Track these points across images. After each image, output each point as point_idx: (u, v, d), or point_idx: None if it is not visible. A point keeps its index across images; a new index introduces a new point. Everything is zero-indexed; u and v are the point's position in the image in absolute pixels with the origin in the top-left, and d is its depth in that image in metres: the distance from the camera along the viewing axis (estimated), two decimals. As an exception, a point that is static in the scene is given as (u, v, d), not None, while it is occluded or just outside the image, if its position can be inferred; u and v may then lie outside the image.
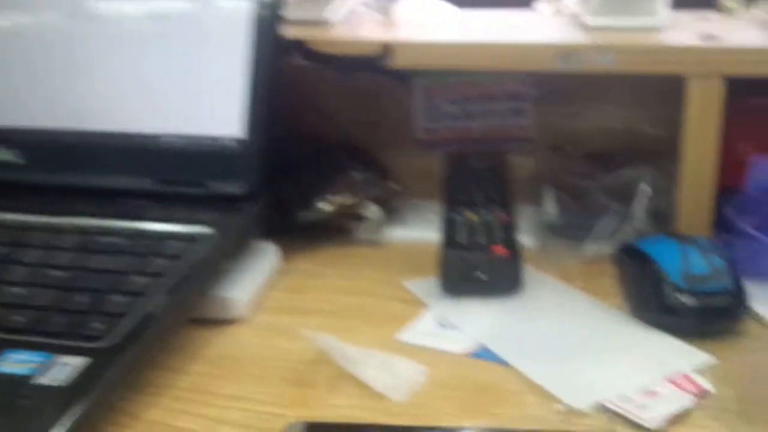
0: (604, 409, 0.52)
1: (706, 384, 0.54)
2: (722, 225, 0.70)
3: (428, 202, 0.79)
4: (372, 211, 0.75)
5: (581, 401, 0.52)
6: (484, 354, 0.59)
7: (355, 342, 0.58)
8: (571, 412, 0.52)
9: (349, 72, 0.76)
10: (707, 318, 0.59)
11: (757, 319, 0.61)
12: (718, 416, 0.51)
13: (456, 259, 0.65)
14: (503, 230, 0.68)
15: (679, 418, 0.51)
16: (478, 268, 0.64)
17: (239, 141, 0.67)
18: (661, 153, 0.74)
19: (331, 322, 0.64)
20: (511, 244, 0.66)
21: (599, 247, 0.71)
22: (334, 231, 0.76)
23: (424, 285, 0.68)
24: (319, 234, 0.76)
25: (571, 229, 0.72)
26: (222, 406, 0.54)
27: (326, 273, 0.72)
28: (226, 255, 0.66)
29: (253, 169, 0.68)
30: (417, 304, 0.65)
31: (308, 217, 0.75)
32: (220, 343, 0.61)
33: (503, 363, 0.57)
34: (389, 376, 0.55)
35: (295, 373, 0.57)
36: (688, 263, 0.60)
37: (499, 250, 0.65)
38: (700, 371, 0.55)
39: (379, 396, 0.54)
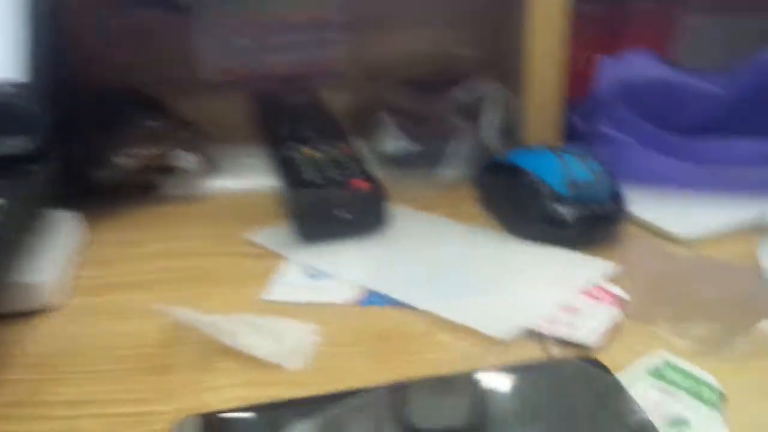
0: (531, 335, 0.46)
1: (619, 291, 0.50)
2: (572, 134, 0.67)
3: (238, 148, 0.69)
4: (185, 160, 0.63)
5: (504, 330, 0.46)
6: (374, 299, 0.50)
7: (210, 311, 0.47)
8: (496, 343, 0.45)
9: (128, 8, 0.64)
10: (594, 225, 0.55)
11: (633, 220, 0.58)
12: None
13: (311, 200, 0.55)
14: (355, 163, 0.59)
15: (607, 330, 0.46)
16: (337, 206, 0.55)
17: (20, 86, 0.53)
18: (479, 73, 0.70)
19: (167, 293, 0.52)
20: (370, 177, 0.57)
21: (451, 172, 0.65)
22: (141, 189, 0.63)
23: (272, 235, 0.58)
24: (124, 195, 0.63)
25: (415, 158, 0.66)
26: (65, 417, 0.41)
27: (144, 238, 0.59)
28: (17, 229, 0.51)
29: (41, 122, 0.53)
30: (271, 258, 0.55)
31: (106, 175, 0.61)
32: (35, 340, 0.47)
33: (399, 305, 0.49)
34: (274, 341, 0.45)
35: (148, 358, 0.45)
36: (569, 171, 0.55)
37: (359, 183, 0.56)
38: (609, 280, 0.51)
39: (269, 367, 0.44)
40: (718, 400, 0.41)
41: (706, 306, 0.49)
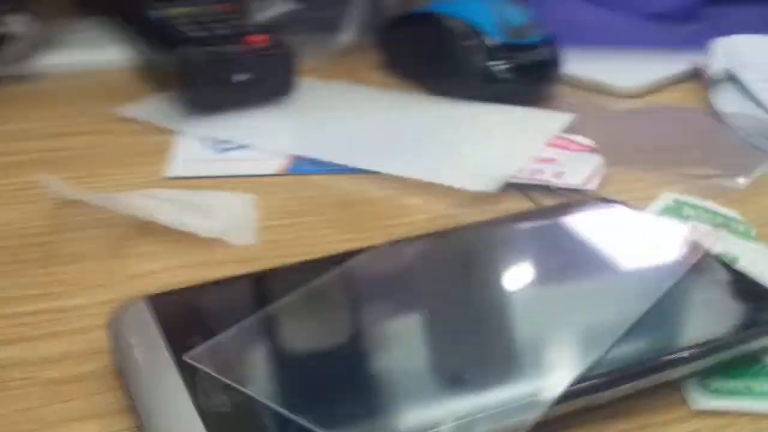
0: (514, 188, 0.39)
1: (585, 140, 0.44)
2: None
3: (73, 22, 0.56)
4: (17, 23, 0.48)
5: (483, 183, 0.38)
6: (308, 168, 0.41)
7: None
8: (477, 198, 0.38)
9: None
10: (534, 75, 0.48)
11: (570, 78, 0.51)
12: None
13: (200, 61, 0.43)
14: (245, 18, 0.48)
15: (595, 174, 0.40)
16: (234, 66, 0.44)
17: None
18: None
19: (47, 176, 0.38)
20: (269, 31, 0.46)
21: (344, 36, 0.56)
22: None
23: (152, 108, 0.46)
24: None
25: (301, 22, 0.56)
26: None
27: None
28: None
29: None
30: (158, 133, 0.43)
31: None
32: None
33: (346, 172, 0.40)
34: (208, 216, 0.35)
35: (48, 247, 0.33)
36: (502, 16, 0.48)
37: (257, 39, 0.46)
38: (569, 131, 0.44)
39: (210, 245, 0.33)
40: (752, 232, 0.36)
41: (676, 150, 0.44)
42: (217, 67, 0.44)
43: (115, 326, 0.27)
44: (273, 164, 0.41)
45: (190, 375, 0.24)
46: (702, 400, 0.26)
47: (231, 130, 0.43)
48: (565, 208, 0.35)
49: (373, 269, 0.30)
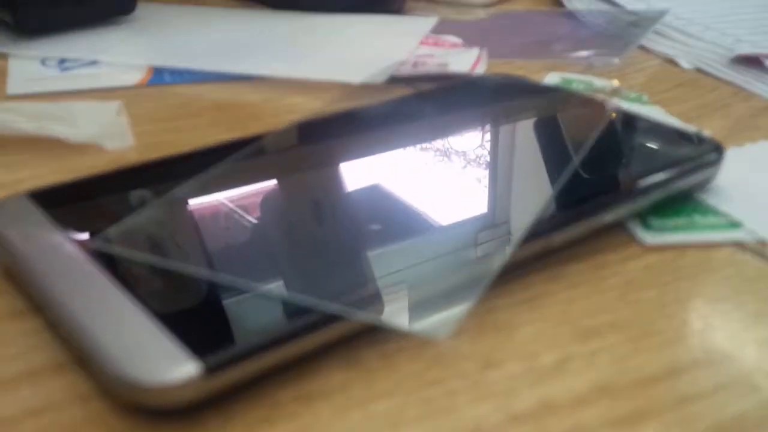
0: (397, 81, 0.37)
1: (455, 39, 0.42)
2: None
3: None
4: None
5: (367, 74, 0.35)
6: (173, 77, 0.37)
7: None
8: (362, 89, 0.35)
9: None
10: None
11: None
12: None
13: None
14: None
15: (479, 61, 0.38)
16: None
17: None
18: None
19: None
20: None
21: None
22: None
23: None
24: None
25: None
26: None
27: None
28: None
29: None
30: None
31: None
32: None
33: (217, 78, 0.36)
34: (75, 123, 0.30)
35: None
36: None
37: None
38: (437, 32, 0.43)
39: (83, 151, 0.29)
40: (644, 98, 0.36)
41: (546, 44, 0.44)
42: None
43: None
44: (130, 77, 0.36)
45: (104, 263, 0.21)
46: (650, 237, 0.25)
47: (74, 49, 0.38)
48: (476, 83, 0.34)
49: (273, 150, 0.28)
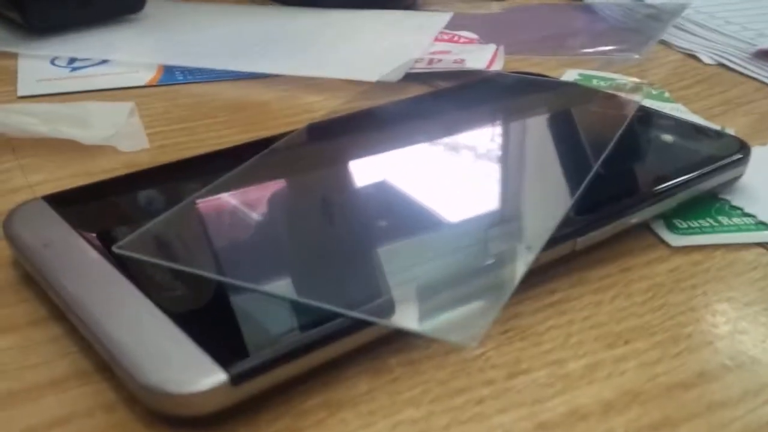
0: (413, 78, 0.37)
1: (471, 35, 0.42)
2: None
3: None
4: None
5: (384, 73, 0.35)
6: (185, 76, 0.37)
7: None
8: (380, 87, 0.35)
9: None
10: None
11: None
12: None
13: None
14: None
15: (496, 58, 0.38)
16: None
17: None
18: None
19: None
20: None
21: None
22: None
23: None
24: None
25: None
26: None
27: None
28: None
29: None
30: (-4, 58, 0.39)
31: None
32: None
33: (230, 77, 0.37)
34: (88, 124, 0.30)
35: None
36: None
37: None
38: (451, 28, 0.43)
39: (98, 153, 0.29)
40: (666, 95, 0.36)
41: (563, 38, 0.44)
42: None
43: (12, 230, 0.23)
44: (142, 76, 0.36)
45: (127, 268, 0.21)
46: (678, 239, 0.25)
47: (83, 48, 0.38)
48: (495, 80, 0.34)
49: (293, 152, 0.28)
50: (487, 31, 0.43)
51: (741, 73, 0.40)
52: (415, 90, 0.36)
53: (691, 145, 0.29)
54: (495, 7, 0.50)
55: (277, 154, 0.27)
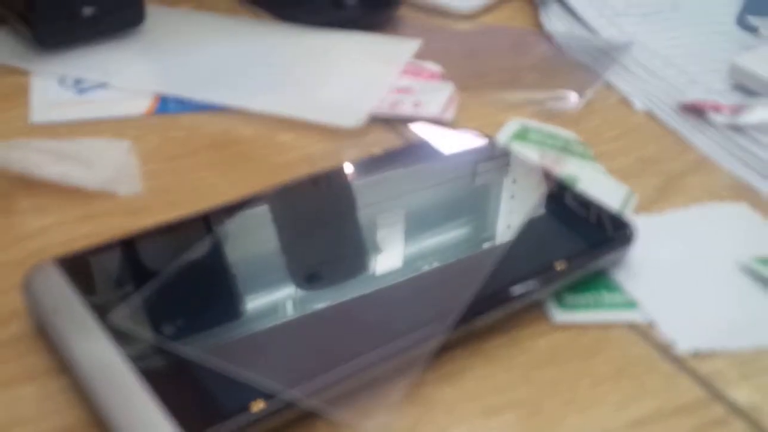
0: (376, 121, 0.43)
1: (434, 67, 0.48)
2: None
3: None
4: None
5: (349, 118, 0.42)
6: (177, 107, 0.42)
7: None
8: (345, 134, 0.41)
9: None
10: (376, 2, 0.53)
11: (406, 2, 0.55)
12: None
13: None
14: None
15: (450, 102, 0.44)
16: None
17: None
18: None
19: None
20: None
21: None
22: None
23: (-4, 46, 0.46)
24: None
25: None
26: None
27: None
28: None
29: None
30: (7, 74, 0.44)
31: None
32: None
33: (212, 109, 0.43)
34: (88, 165, 0.36)
35: None
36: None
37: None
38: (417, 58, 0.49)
39: (95, 197, 0.35)
40: (589, 153, 0.42)
41: (515, 72, 0.50)
42: (64, 3, 0.44)
43: (29, 292, 0.29)
44: (139, 104, 0.42)
45: (117, 335, 0.27)
46: (560, 315, 0.32)
47: (88, 68, 0.44)
48: (425, 143, 0.40)
49: (263, 215, 0.34)
50: (450, 59, 0.48)
51: (665, 125, 0.45)
52: (376, 134, 0.42)
53: (589, 223, 0.35)
54: (464, 25, 0.55)
55: (246, 219, 0.33)
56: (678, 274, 0.35)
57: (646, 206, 0.39)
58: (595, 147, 0.43)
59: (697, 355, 0.31)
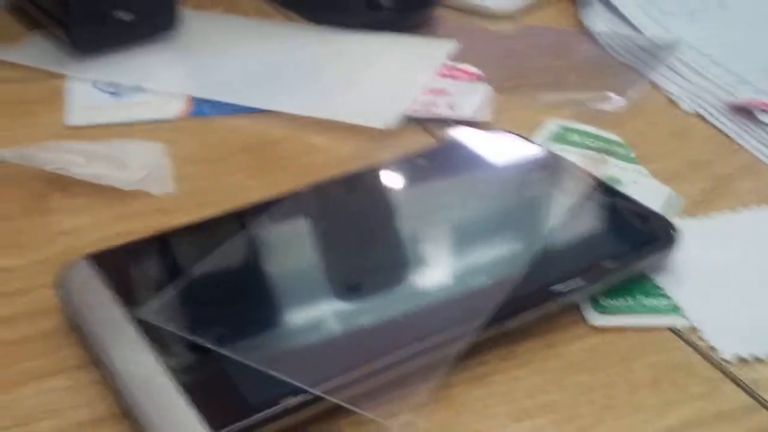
0: (411, 122, 0.43)
1: (471, 68, 0.48)
2: None
3: None
4: None
5: (383, 119, 0.42)
6: (211, 110, 0.43)
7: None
8: (378, 135, 0.41)
9: None
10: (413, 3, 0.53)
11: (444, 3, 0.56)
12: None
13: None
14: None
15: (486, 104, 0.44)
16: (116, 4, 0.46)
17: None
18: None
19: None
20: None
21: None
22: None
23: (30, 51, 0.47)
24: None
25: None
26: None
27: None
28: None
29: None
30: (45, 78, 0.45)
31: None
32: None
33: (245, 112, 0.43)
34: (122, 166, 0.37)
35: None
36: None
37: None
38: (454, 59, 0.49)
39: (129, 197, 0.36)
40: (632, 155, 0.42)
41: (556, 73, 0.50)
42: (100, 6, 0.45)
43: (62, 288, 0.30)
44: (173, 108, 0.43)
45: (147, 330, 0.28)
46: (598, 318, 0.31)
47: (123, 72, 0.45)
48: (462, 144, 0.40)
49: (295, 214, 0.34)
50: (488, 60, 0.48)
51: (714, 126, 0.45)
52: (410, 136, 0.42)
53: (630, 224, 0.35)
54: (506, 25, 0.55)
55: (276, 219, 0.33)
56: (723, 278, 0.34)
57: (692, 209, 0.38)
58: (640, 149, 0.42)
59: (741, 361, 0.30)
